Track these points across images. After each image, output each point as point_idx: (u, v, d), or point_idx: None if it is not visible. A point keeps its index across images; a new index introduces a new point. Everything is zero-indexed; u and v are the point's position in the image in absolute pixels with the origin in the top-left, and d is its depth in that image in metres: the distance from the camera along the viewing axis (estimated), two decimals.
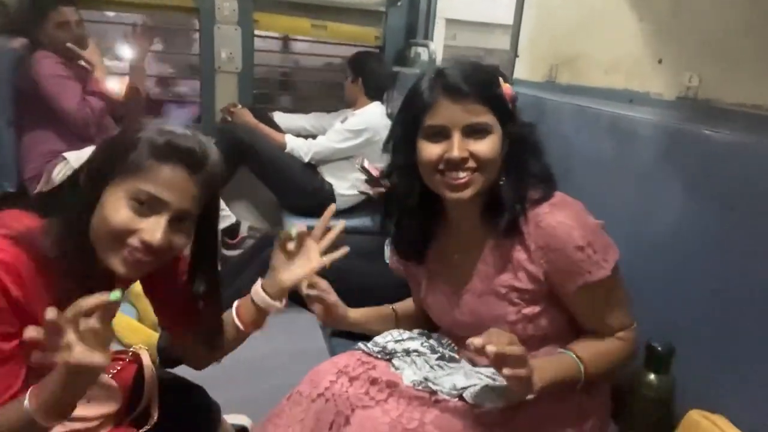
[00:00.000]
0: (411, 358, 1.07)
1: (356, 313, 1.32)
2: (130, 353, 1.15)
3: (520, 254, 1.01)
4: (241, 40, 2.82)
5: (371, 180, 1.63)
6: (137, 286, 1.66)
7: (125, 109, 2.50)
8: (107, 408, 1.02)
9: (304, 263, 1.06)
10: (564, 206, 0.98)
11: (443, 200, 1.04)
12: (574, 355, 1.00)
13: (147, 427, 1.06)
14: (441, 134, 0.97)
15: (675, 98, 1.28)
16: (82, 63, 2.41)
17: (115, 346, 1.37)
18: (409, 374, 1.02)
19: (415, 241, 1.12)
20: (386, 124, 2.69)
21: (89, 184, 0.86)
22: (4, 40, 2.33)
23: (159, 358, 1.55)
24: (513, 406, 0.97)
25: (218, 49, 2.80)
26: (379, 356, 1.09)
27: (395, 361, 1.08)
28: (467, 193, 0.97)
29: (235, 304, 1.08)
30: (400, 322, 1.31)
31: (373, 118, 2.66)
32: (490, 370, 1.03)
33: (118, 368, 1.11)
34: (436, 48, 2.75)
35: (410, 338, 1.13)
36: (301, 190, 2.62)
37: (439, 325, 1.19)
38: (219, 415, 1.23)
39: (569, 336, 1.06)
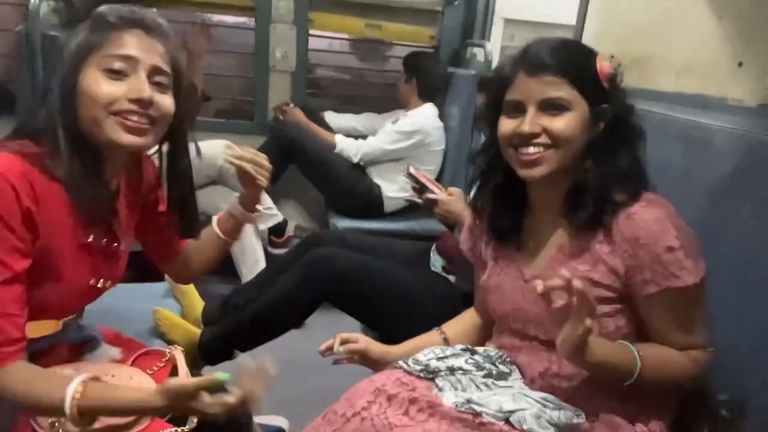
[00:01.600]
0: (456, 377, 1.01)
1: (400, 349, 1.19)
2: (168, 354, 1.14)
3: (602, 246, 0.95)
4: (296, 39, 2.82)
5: (418, 187, 1.58)
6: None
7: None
8: None
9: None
10: (661, 205, 0.93)
11: (528, 183, 1.01)
12: (636, 350, 0.92)
13: (185, 428, 1.05)
14: (518, 109, 0.95)
15: (756, 105, 1.18)
16: None
17: (158, 342, 1.39)
18: (450, 396, 0.96)
19: (503, 223, 1.07)
20: (438, 126, 2.63)
21: (60, 88, 0.89)
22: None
23: (200, 355, 1.55)
24: None
25: (273, 48, 2.81)
26: (421, 375, 1.03)
27: (438, 381, 1.01)
28: (538, 171, 0.94)
29: (214, 218, 1.19)
30: (451, 343, 1.21)
31: (424, 120, 2.60)
32: (541, 395, 0.96)
33: (156, 369, 1.11)
34: (492, 48, 2.67)
35: (454, 355, 1.07)
36: (348, 191, 2.60)
37: (494, 316, 1.11)
38: (251, 420, 1.20)
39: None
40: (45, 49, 2.26)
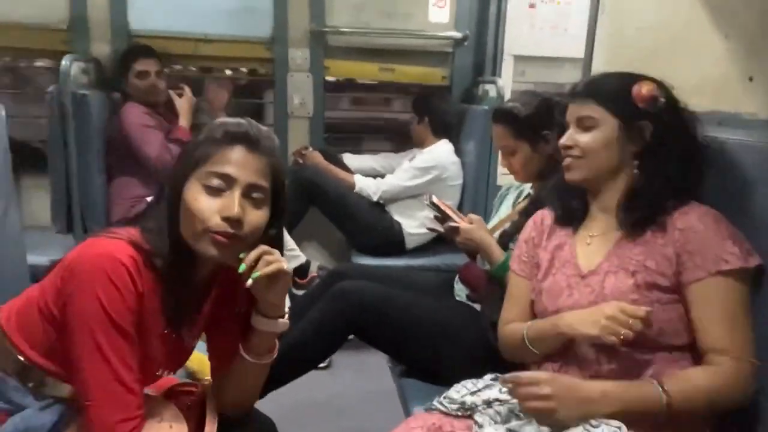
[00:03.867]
0: (494, 410, 1.00)
1: None
2: (199, 387, 1.15)
3: (656, 238, 1.03)
4: (313, 86, 2.92)
5: (440, 216, 1.59)
6: None
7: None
8: None
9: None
10: (710, 210, 1.03)
11: (586, 192, 1.16)
12: (660, 387, 0.93)
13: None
14: (566, 128, 1.14)
15: None
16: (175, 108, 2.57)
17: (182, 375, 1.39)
18: (490, 431, 0.95)
19: (571, 204, 1.18)
20: (454, 161, 2.67)
21: (170, 191, 0.97)
22: (99, 95, 2.53)
23: None
24: None
25: (291, 96, 2.91)
26: (459, 414, 1.02)
27: (477, 417, 1.00)
28: (570, 176, 1.12)
29: (241, 349, 1.06)
30: None
31: (441, 155, 2.64)
32: None
33: (189, 404, 1.11)
34: (504, 84, 2.73)
35: (486, 387, 1.06)
36: (370, 229, 2.62)
37: (546, 315, 1.11)
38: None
39: (683, 346, 1.00)
40: (75, 107, 2.37)
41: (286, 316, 1.06)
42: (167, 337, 1.01)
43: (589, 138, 1.09)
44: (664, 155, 1.07)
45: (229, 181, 0.94)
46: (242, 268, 0.96)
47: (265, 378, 1.11)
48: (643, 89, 1.08)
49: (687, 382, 0.95)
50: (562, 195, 1.20)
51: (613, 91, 1.10)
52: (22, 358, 0.96)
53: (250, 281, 0.95)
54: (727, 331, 0.96)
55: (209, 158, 0.94)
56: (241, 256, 0.96)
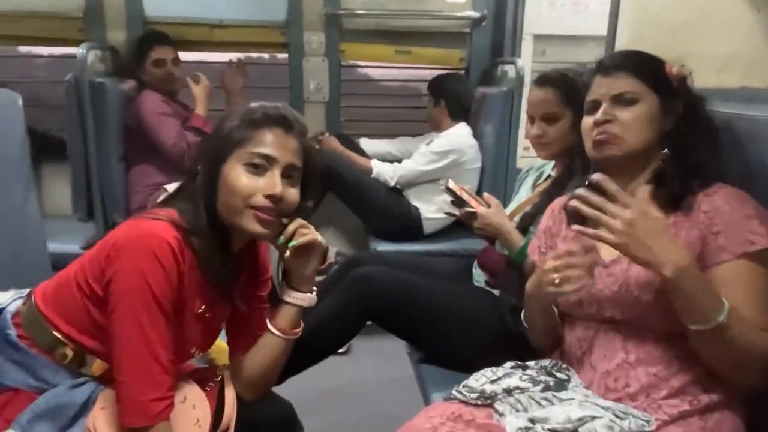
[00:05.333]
0: (514, 398, 0.98)
1: None
2: (219, 377, 1.15)
3: (680, 220, 0.99)
4: (329, 70, 2.89)
5: (457, 201, 1.56)
6: None
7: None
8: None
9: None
10: (736, 190, 0.99)
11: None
12: (727, 305, 0.87)
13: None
14: (595, 107, 1.07)
15: None
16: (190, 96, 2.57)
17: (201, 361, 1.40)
18: (512, 421, 0.92)
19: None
20: (472, 144, 2.62)
21: (208, 170, 1.01)
22: (116, 83, 2.54)
23: None
24: None
25: (307, 81, 2.88)
26: (479, 402, 1.00)
27: (497, 405, 0.98)
28: (608, 150, 1.04)
29: (268, 324, 1.12)
30: None
31: (458, 139, 2.60)
32: (607, 403, 0.93)
33: (208, 390, 1.12)
34: (524, 64, 2.66)
35: (506, 375, 1.03)
36: (387, 214, 2.60)
37: (567, 304, 1.08)
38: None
39: None
40: (93, 96, 2.38)
41: (314, 292, 1.13)
42: (201, 316, 1.04)
43: (630, 113, 1.03)
44: (691, 136, 1.04)
45: (270, 160, 1.00)
46: (281, 240, 1.04)
47: (287, 357, 1.14)
48: (674, 69, 1.06)
49: (751, 327, 0.89)
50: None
51: (651, 67, 1.06)
52: (58, 335, 0.99)
53: (288, 252, 1.04)
54: (758, 312, 0.91)
55: (250, 139, 1.00)
56: (285, 221, 1.03)
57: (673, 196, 1.01)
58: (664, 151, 1.04)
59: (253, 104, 1.04)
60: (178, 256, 0.93)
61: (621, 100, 1.04)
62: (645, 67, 1.06)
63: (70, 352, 0.99)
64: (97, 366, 1.00)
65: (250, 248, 1.14)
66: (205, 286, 1.02)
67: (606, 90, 1.06)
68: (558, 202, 1.22)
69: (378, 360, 2.32)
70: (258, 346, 1.12)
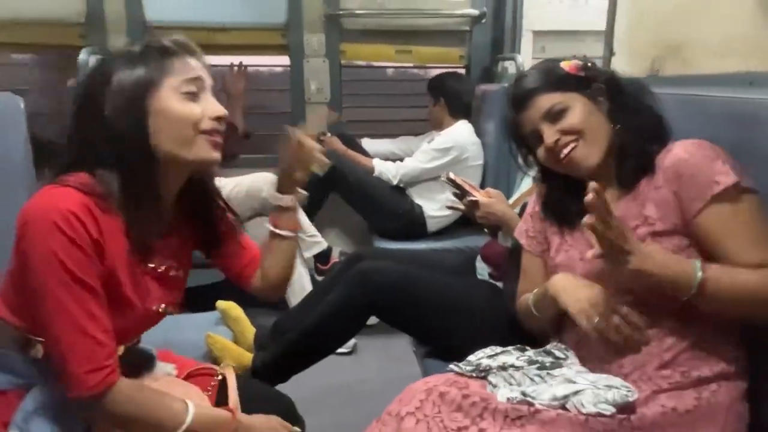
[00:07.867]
0: (509, 373, 1.00)
1: None
2: (219, 374, 1.15)
3: (647, 186, 1.02)
4: (329, 71, 2.90)
5: (459, 192, 1.56)
6: (233, 311, 1.74)
7: (224, 146, 2.62)
8: None
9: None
10: (695, 140, 1.00)
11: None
12: (698, 264, 0.90)
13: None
14: (538, 138, 1.08)
15: None
16: None
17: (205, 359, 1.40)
18: (504, 392, 0.94)
19: (571, 209, 1.13)
20: (474, 141, 2.62)
21: (130, 111, 0.92)
22: None
23: (253, 378, 1.55)
24: (626, 410, 0.90)
25: (308, 82, 2.89)
26: (474, 375, 1.03)
27: (491, 378, 1.01)
28: (581, 159, 1.05)
29: (268, 225, 1.17)
30: None
31: (459, 136, 2.60)
32: (593, 376, 0.95)
33: (210, 388, 1.12)
34: (524, 61, 2.66)
35: (504, 352, 1.06)
36: (390, 213, 2.60)
37: None
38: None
39: None
40: None
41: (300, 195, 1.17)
42: (152, 273, 1.01)
43: (569, 119, 1.05)
44: (627, 106, 1.07)
45: (200, 83, 0.97)
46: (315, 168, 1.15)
47: (295, 254, 1.21)
48: (567, 64, 1.09)
49: (732, 271, 0.90)
50: (563, 198, 1.15)
51: (552, 76, 1.08)
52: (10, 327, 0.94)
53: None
54: (754, 248, 0.91)
55: (173, 68, 0.95)
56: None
57: (638, 163, 1.02)
58: (617, 127, 1.06)
59: (147, 40, 0.98)
60: (85, 223, 0.87)
61: (552, 115, 1.06)
62: (548, 77, 1.08)
63: (19, 339, 0.94)
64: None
65: (188, 195, 1.07)
66: (135, 240, 0.96)
67: (535, 116, 1.07)
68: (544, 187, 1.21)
69: (384, 359, 2.32)
70: (273, 254, 1.17)
